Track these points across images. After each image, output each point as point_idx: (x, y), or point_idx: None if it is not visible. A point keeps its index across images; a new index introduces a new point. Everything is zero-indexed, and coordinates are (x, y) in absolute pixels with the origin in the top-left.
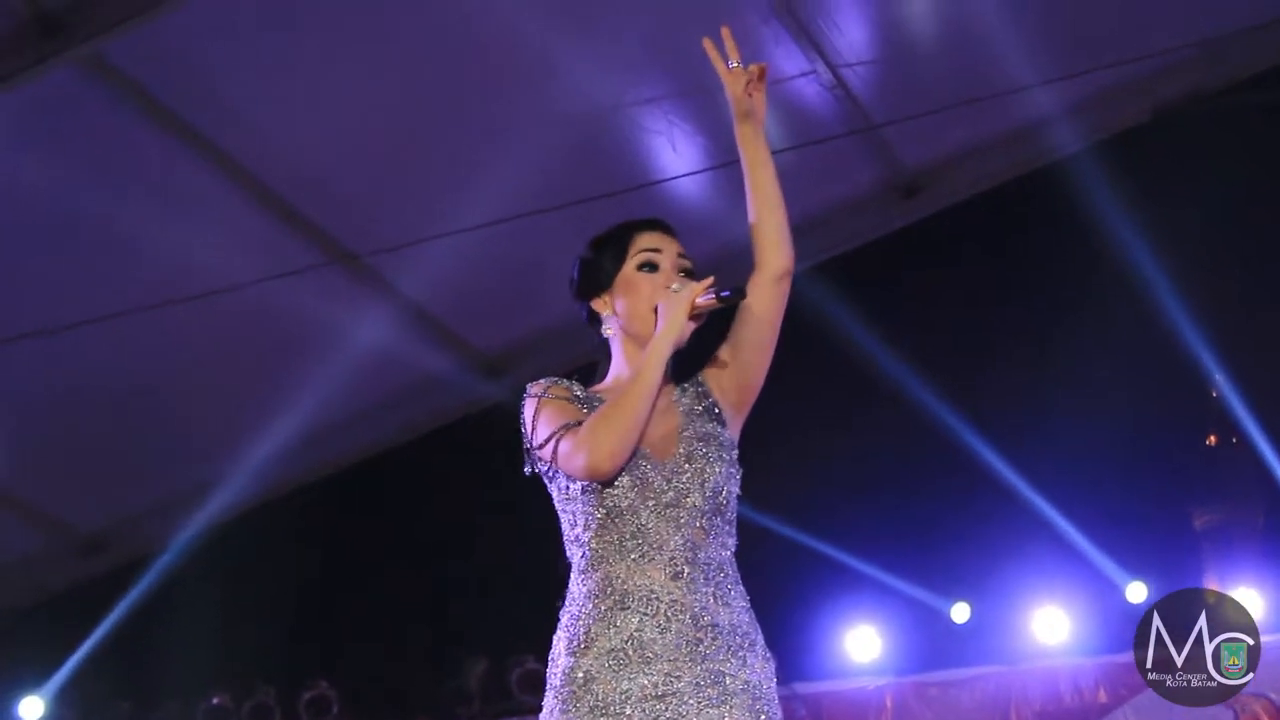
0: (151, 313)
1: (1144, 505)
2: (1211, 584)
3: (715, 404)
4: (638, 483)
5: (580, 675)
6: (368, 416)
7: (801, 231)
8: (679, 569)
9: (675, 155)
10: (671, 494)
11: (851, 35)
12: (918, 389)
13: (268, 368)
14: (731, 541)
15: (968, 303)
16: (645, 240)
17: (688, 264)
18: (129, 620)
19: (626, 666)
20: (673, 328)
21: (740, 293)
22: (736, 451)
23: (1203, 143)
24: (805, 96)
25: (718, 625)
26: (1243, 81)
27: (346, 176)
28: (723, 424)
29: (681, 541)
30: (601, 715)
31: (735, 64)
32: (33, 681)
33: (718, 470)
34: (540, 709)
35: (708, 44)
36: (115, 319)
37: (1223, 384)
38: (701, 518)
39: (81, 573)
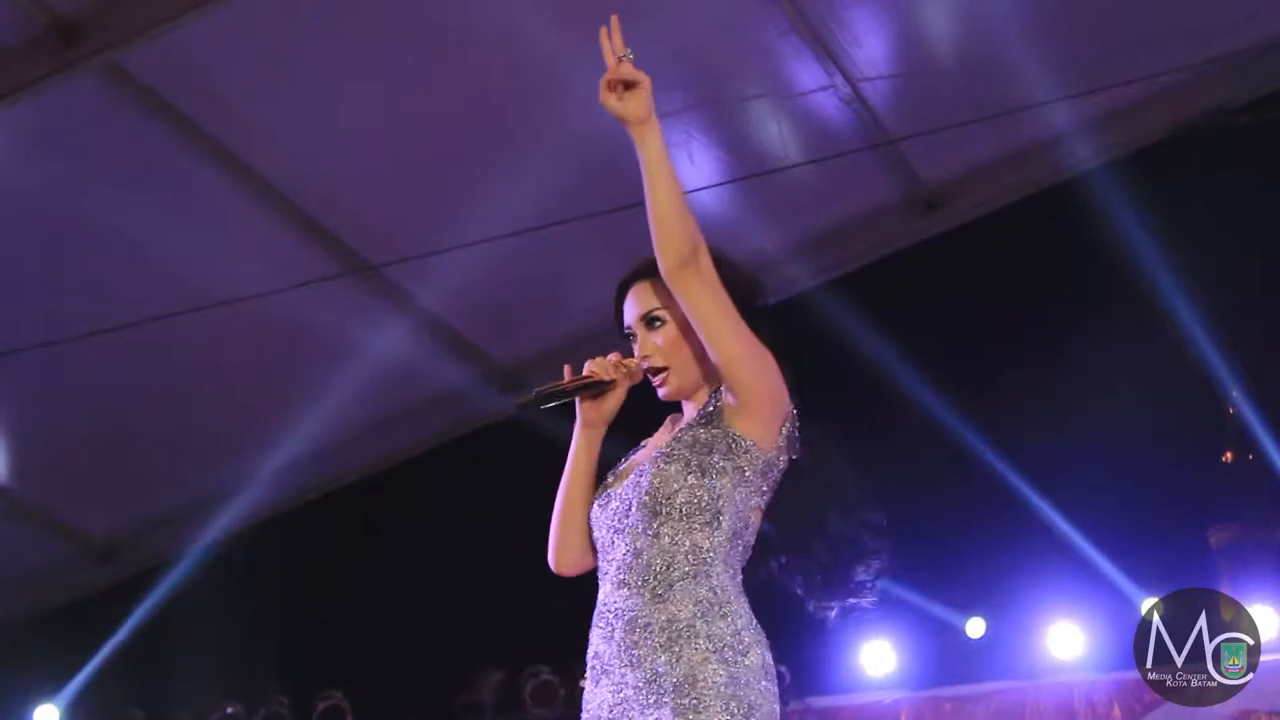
0: (168, 322)
1: (1159, 521)
2: None
3: (713, 409)
4: (603, 512)
5: (583, 694)
6: (384, 427)
7: (819, 245)
8: (623, 577)
9: (692, 168)
10: (620, 506)
11: (870, 49)
12: (934, 404)
13: (285, 378)
14: (691, 539)
15: (985, 318)
16: (624, 312)
17: (654, 314)
18: (143, 629)
19: (598, 682)
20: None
21: (537, 397)
22: (726, 440)
23: (1222, 159)
24: (823, 110)
25: (650, 624)
26: (1262, 98)
27: (365, 187)
28: (706, 424)
29: (624, 549)
30: None
31: (625, 55)
32: (47, 690)
33: (665, 469)
34: None
35: (603, 34)
36: (132, 328)
37: (1240, 400)
38: (643, 522)
39: (95, 582)
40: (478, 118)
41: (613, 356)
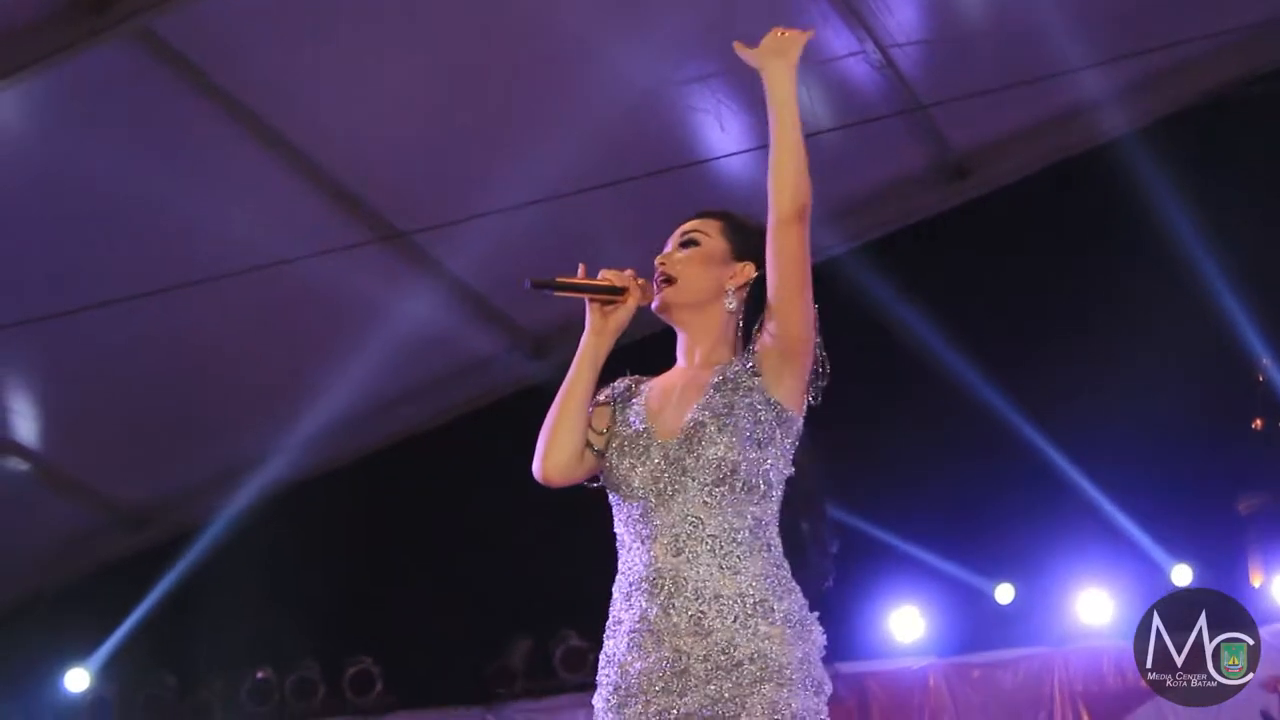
0: (198, 289)
1: (1189, 489)
2: (1255, 568)
3: (754, 366)
4: (638, 464)
5: (605, 655)
6: (414, 394)
7: (849, 211)
8: (681, 544)
9: (723, 134)
10: (667, 468)
11: (901, 15)
12: (965, 370)
13: (315, 345)
14: (751, 510)
15: (1015, 285)
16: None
17: (693, 235)
18: (174, 595)
19: (640, 646)
20: (591, 344)
21: (551, 283)
22: (773, 411)
23: (1253, 126)
24: (854, 76)
25: (721, 595)
26: None
27: (395, 154)
28: (752, 390)
29: (678, 515)
30: (625, 695)
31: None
32: (79, 655)
33: (726, 439)
34: (581, 686)
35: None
36: (161, 295)
37: (1270, 368)
38: (703, 491)
39: (127, 547)
40: (506, 87)
41: (629, 271)
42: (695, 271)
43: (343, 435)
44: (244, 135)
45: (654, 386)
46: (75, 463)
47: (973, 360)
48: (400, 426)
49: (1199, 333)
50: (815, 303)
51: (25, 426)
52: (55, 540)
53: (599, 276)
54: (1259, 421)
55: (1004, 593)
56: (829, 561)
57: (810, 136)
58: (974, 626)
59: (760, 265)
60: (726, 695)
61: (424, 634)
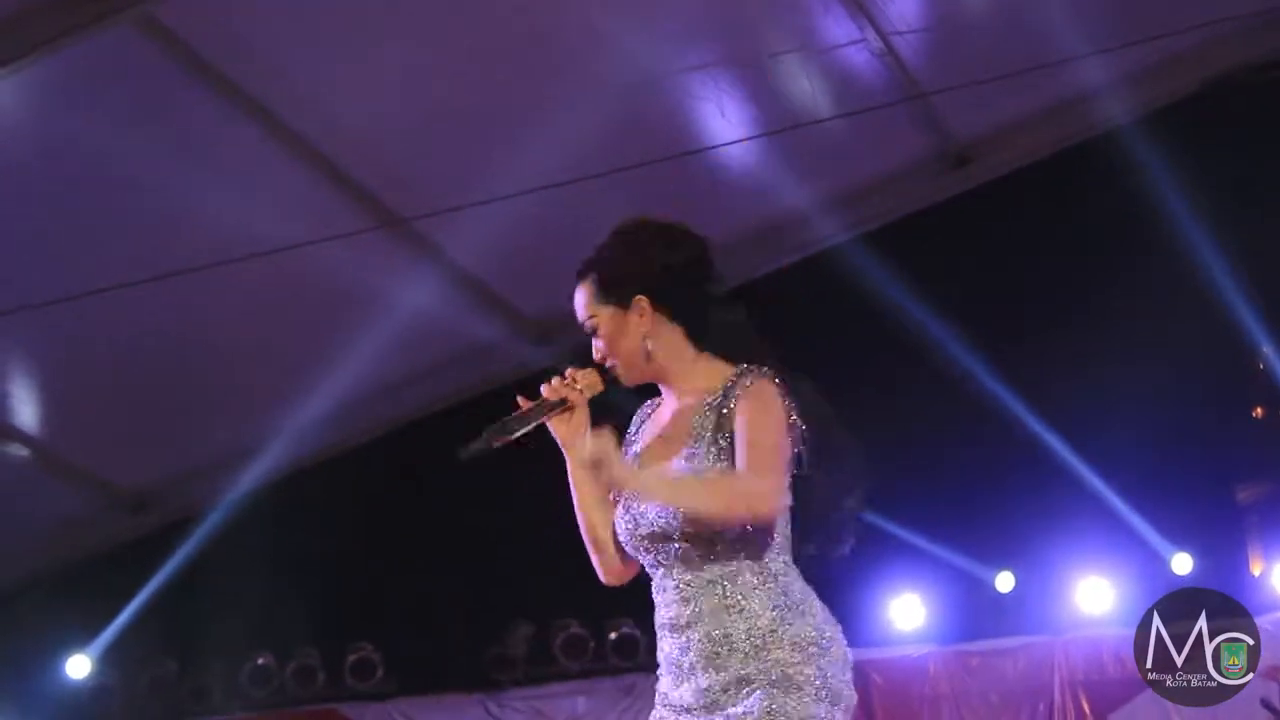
0: (199, 275)
1: (1189, 477)
2: (1255, 557)
3: (736, 407)
4: (633, 529)
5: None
6: (415, 381)
7: (850, 199)
8: (688, 594)
9: (723, 122)
10: (655, 535)
11: (901, 3)
12: (965, 358)
13: (315, 331)
14: (749, 551)
15: (1016, 273)
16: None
17: (588, 323)
18: (175, 581)
19: (678, 682)
20: (574, 461)
21: (487, 440)
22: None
23: (1253, 114)
24: (855, 64)
25: (731, 635)
26: None
27: (396, 141)
28: (733, 432)
29: (680, 570)
30: (666, 703)
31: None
32: (80, 640)
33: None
34: (581, 674)
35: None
36: (162, 280)
37: (1270, 357)
38: (696, 552)
39: (128, 533)
40: (508, 72)
41: (570, 371)
42: (617, 349)
43: (344, 421)
44: (246, 122)
45: (648, 424)
46: (75, 448)
47: (973, 348)
48: (401, 413)
49: (1199, 321)
50: (815, 296)
51: (25, 412)
52: (55, 526)
53: (542, 394)
54: (1259, 410)
55: (1004, 581)
56: (849, 530)
57: (811, 125)
58: (974, 614)
59: (640, 283)
60: (746, 711)
61: (424, 621)
